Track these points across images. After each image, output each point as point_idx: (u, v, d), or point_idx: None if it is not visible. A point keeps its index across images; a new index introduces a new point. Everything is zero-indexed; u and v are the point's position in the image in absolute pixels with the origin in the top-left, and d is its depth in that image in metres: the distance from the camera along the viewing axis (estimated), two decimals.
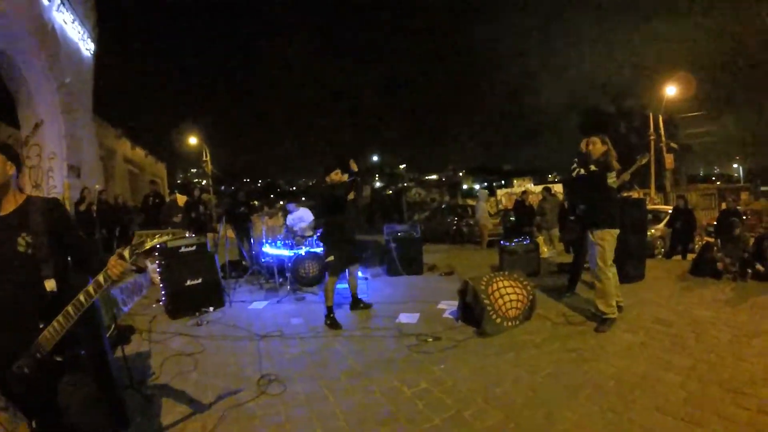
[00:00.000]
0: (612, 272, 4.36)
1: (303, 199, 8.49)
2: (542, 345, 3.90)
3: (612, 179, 4.43)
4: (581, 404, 2.85)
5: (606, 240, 4.34)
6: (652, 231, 10.05)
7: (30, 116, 9.68)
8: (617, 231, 4.36)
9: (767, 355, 3.29)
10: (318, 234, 5.58)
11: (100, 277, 1.79)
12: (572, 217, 5.72)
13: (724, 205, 10.33)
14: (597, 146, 4.49)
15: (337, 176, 5.13)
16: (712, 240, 8.65)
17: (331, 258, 5.04)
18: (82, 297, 1.76)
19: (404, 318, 5.02)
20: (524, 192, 11.95)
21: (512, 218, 11.83)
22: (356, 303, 5.54)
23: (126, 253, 1.82)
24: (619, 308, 4.53)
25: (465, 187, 44.88)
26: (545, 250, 9.52)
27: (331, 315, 4.93)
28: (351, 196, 5.28)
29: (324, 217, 5.23)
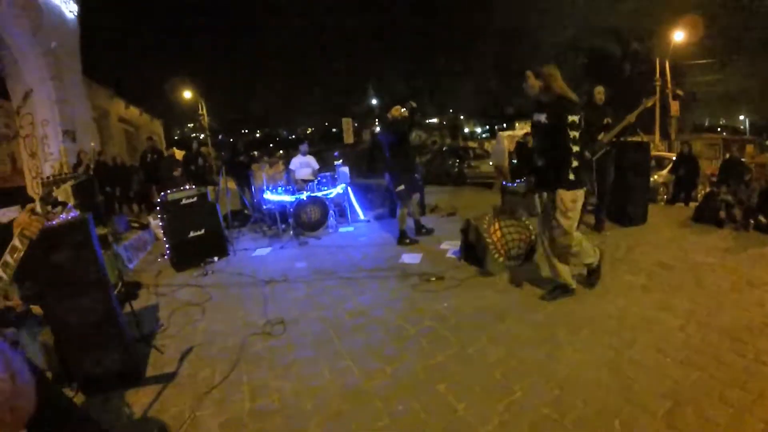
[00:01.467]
0: (579, 235, 3.51)
1: (307, 144, 8.35)
2: (543, 285, 3.91)
3: (573, 132, 3.23)
4: (582, 342, 2.90)
5: (574, 201, 3.38)
6: (655, 177, 9.96)
7: (18, 86, 9.57)
8: (583, 191, 3.42)
9: (766, 306, 3.28)
10: (388, 165, 5.75)
11: (16, 241, 1.65)
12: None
13: (728, 155, 10.18)
14: (530, 81, 3.39)
15: (397, 111, 5.58)
16: (715, 189, 8.59)
17: (401, 187, 5.52)
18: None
19: (407, 258, 5.08)
20: (526, 134, 11.73)
21: (514, 161, 11.70)
22: (419, 229, 6.07)
23: (38, 207, 1.71)
24: (564, 290, 3.69)
25: (466, 130, 44.21)
26: None
27: (406, 237, 5.71)
28: (437, 138, 5.54)
29: (391, 149, 5.61)
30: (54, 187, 1.82)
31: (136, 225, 7.71)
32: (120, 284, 4.42)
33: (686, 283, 3.87)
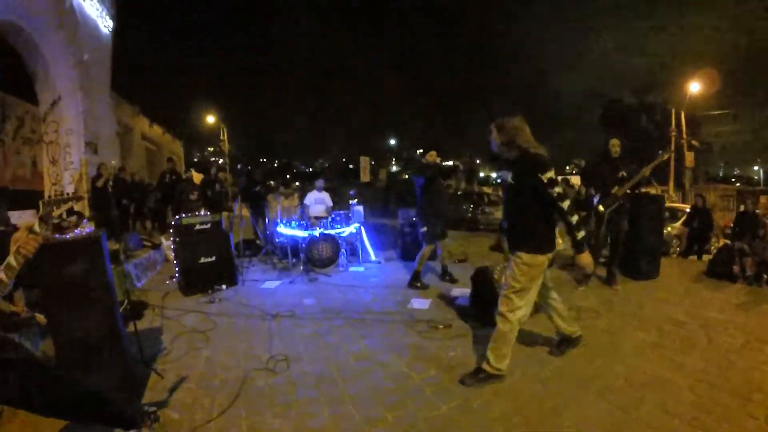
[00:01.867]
0: (519, 315, 3.09)
1: (323, 181, 8.45)
2: (552, 338, 3.88)
3: (556, 189, 2.94)
4: (589, 400, 2.84)
5: (529, 266, 3.03)
6: (669, 229, 9.90)
7: (48, 93, 9.73)
8: (545, 258, 3.05)
9: None
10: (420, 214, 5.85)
11: (11, 259, 1.66)
12: (584, 212, 5.69)
13: (742, 207, 10.13)
14: (493, 135, 3.16)
15: (431, 157, 5.70)
16: (728, 242, 8.49)
17: (424, 229, 5.58)
18: None
19: (416, 303, 5.04)
20: None
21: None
22: (444, 274, 6.08)
23: (37, 226, 1.73)
24: (570, 342, 3.56)
25: (482, 174, 44.36)
26: (560, 242, 9.42)
27: (418, 280, 5.69)
28: (452, 182, 5.63)
29: (421, 191, 5.70)
30: (54, 207, 1.84)
31: (148, 244, 7.79)
32: (126, 302, 4.44)
33: (698, 340, 3.81)
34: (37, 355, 2.92)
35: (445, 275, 6.06)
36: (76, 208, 8.75)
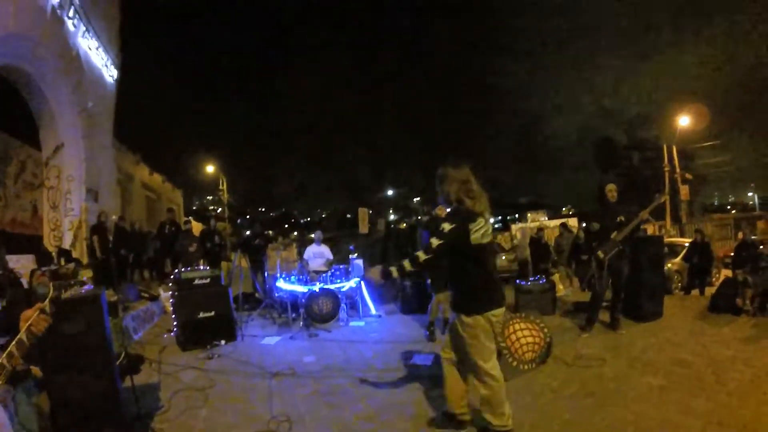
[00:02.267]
0: (497, 371, 2.91)
1: (321, 233, 8.47)
2: (559, 389, 3.81)
3: (477, 231, 2.84)
4: None
5: (472, 328, 2.88)
6: (669, 265, 9.89)
7: (51, 138, 9.88)
8: (488, 317, 2.86)
9: None
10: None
11: (23, 336, 1.74)
12: (584, 256, 5.71)
13: (740, 236, 10.19)
14: (443, 187, 3.02)
15: (441, 211, 5.44)
16: (729, 273, 8.48)
17: (429, 280, 5.63)
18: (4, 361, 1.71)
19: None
20: (540, 229, 11.88)
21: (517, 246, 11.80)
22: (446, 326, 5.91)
23: (47, 307, 1.81)
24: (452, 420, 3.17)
25: None
26: (561, 288, 9.39)
27: (433, 333, 5.70)
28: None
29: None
30: (63, 290, 1.90)
31: (145, 295, 7.74)
32: (123, 355, 4.37)
33: (706, 380, 3.77)
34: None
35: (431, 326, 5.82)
36: (74, 254, 8.76)
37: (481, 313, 2.83)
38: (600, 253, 5.37)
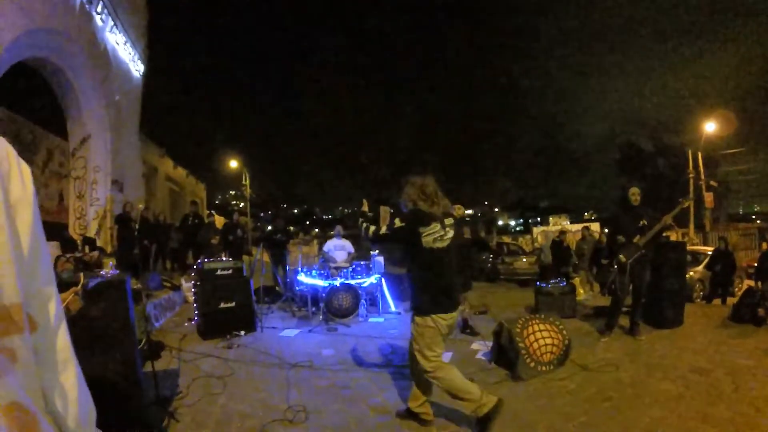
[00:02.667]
0: (439, 370, 3.02)
1: (341, 227, 8.56)
2: (576, 391, 3.80)
3: (429, 236, 2.98)
4: None
5: (419, 326, 3.03)
6: (691, 273, 9.71)
7: (79, 130, 10.08)
8: (435, 319, 2.97)
9: None
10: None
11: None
12: (604, 260, 5.66)
13: (765, 246, 9.95)
14: (404, 191, 3.21)
15: (460, 210, 5.84)
16: (752, 283, 8.28)
17: None
18: None
19: None
20: (562, 232, 11.78)
21: (542, 256, 11.70)
22: (465, 327, 5.97)
23: (80, 292, 1.97)
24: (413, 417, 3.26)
25: (500, 223, 44.18)
26: (581, 292, 9.32)
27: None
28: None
29: None
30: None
31: (168, 285, 7.90)
32: (144, 341, 4.48)
33: (724, 389, 3.73)
34: None
35: (466, 328, 5.99)
36: (98, 243, 8.99)
37: (429, 314, 2.97)
38: (621, 257, 5.31)
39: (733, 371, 4.11)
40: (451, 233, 3.06)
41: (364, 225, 3.22)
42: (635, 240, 5.32)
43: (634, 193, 5.44)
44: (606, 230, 7.40)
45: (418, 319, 3.03)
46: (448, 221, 3.07)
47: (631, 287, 5.44)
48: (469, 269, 5.99)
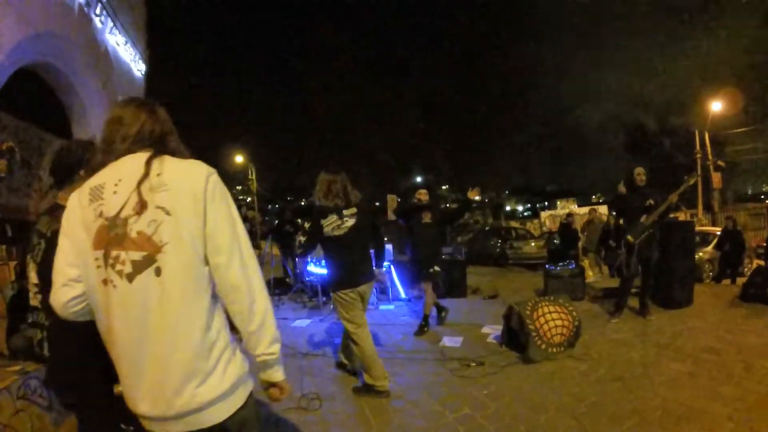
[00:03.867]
0: (358, 338, 3.59)
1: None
2: (587, 372, 3.83)
3: (328, 225, 3.53)
4: None
5: (333, 300, 3.71)
6: (700, 254, 9.67)
7: (83, 132, 10.09)
8: (340, 294, 3.57)
9: None
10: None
11: None
12: (612, 242, 5.65)
13: None
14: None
15: (422, 196, 5.81)
16: (761, 263, 8.25)
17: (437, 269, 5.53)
18: None
19: (447, 341, 5.00)
20: (569, 215, 11.77)
21: (556, 241, 11.68)
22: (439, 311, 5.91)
23: None
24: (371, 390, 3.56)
25: (508, 208, 44.00)
26: (590, 274, 9.33)
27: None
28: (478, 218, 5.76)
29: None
30: None
31: None
32: None
33: (735, 367, 3.75)
34: None
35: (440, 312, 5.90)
36: None
37: (335, 291, 3.56)
38: (629, 237, 5.30)
39: (744, 350, 4.13)
40: (350, 222, 3.51)
41: (298, 240, 3.79)
42: (642, 220, 5.30)
43: (640, 173, 5.41)
44: (613, 212, 7.36)
45: (332, 295, 3.61)
46: (348, 211, 3.53)
47: (639, 268, 5.42)
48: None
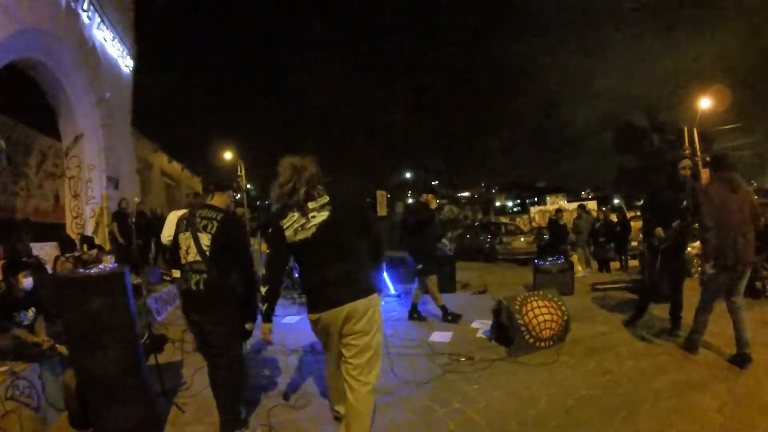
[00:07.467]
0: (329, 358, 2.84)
1: None
2: (576, 366, 3.84)
3: (289, 228, 2.49)
4: (616, 428, 2.81)
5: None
6: (689, 249, 9.74)
7: (70, 129, 9.97)
8: (311, 317, 2.57)
9: None
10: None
11: None
12: (602, 239, 5.62)
13: (763, 220, 9.97)
14: None
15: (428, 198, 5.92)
16: None
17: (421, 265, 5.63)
18: None
19: (437, 337, 4.99)
20: (558, 210, 11.84)
21: (545, 236, 11.73)
22: (414, 311, 5.93)
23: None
24: None
25: (498, 204, 44.17)
26: (579, 269, 9.39)
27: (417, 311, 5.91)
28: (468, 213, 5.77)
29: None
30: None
31: (168, 278, 7.90)
32: (147, 335, 4.49)
33: (723, 360, 3.78)
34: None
35: (414, 312, 5.91)
36: (96, 241, 8.99)
37: (309, 313, 2.59)
38: (655, 241, 4.65)
39: (732, 343, 4.07)
40: (319, 218, 2.45)
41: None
42: (675, 224, 4.51)
43: (685, 167, 4.55)
44: (641, 208, 7.19)
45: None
46: (314, 204, 2.48)
47: (664, 276, 4.82)
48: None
